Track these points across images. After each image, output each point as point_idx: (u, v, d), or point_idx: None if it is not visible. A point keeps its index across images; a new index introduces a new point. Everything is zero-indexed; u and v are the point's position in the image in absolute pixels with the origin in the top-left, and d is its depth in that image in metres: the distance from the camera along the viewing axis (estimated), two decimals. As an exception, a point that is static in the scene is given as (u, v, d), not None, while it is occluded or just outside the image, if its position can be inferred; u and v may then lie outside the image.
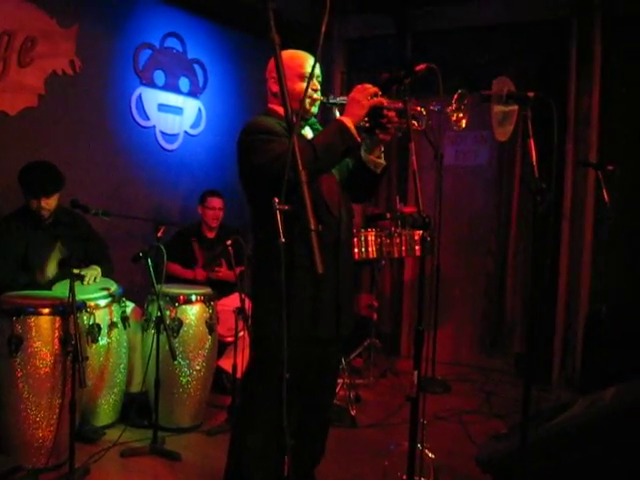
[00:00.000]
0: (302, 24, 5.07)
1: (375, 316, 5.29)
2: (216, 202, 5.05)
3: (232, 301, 4.53)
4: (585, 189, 5.27)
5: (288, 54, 2.49)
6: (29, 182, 3.78)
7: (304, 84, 2.46)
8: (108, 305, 3.84)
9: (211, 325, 4.08)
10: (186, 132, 5.54)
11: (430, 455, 3.34)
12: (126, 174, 5.02)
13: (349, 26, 6.34)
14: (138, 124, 5.10)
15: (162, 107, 5.29)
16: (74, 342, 3.09)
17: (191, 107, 5.56)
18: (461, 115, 2.24)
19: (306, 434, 2.61)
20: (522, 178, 5.60)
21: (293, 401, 2.45)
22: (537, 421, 2.93)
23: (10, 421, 3.24)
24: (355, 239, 4.54)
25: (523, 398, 2.48)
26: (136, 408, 3.97)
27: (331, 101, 2.53)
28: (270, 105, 2.61)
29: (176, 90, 5.40)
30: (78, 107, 4.59)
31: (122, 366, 3.96)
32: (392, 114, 2.33)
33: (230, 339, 4.42)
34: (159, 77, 5.24)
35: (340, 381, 4.58)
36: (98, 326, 3.72)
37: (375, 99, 2.32)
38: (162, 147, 5.33)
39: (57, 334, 3.26)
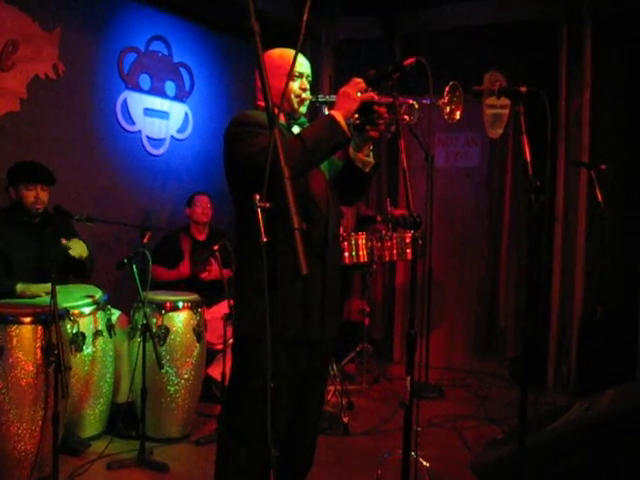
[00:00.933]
0: (291, 25, 5.02)
1: (367, 321, 5.23)
2: (204, 200, 5.00)
3: (221, 308, 4.45)
4: (577, 190, 5.23)
5: (277, 52, 2.46)
6: (24, 173, 3.77)
7: (293, 82, 2.42)
8: (93, 313, 3.74)
9: (199, 332, 4.00)
10: (173, 137, 5.46)
11: (424, 463, 3.26)
12: (111, 180, 4.93)
13: (337, 29, 6.31)
14: (123, 129, 5.01)
15: (148, 111, 5.21)
16: (57, 351, 2.99)
17: (177, 111, 5.48)
18: (454, 107, 2.18)
19: (295, 443, 2.52)
20: (514, 180, 5.55)
21: (282, 409, 2.38)
22: (534, 426, 2.87)
23: (-9, 434, 3.14)
24: (345, 243, 4.48)
25: (520, 403, 2.42)
26: (123, 418, 3.87)
27: (320, 100, 2.48)
28: (259, 102, 2.57)
29: (162, 94, 5.32)
30: (62, 112, 4.51)
31: (108, 375, 3.87)
32: (383, 109, 2.27)
33: (220, 347, 4.34)
34: (144, 81, 5.16)
35: (332, 387, 4.52)
36: (83, 334, 3.63)
37: (366, 94, 2.27)
38: (148, 152, 5.24)
39: (39, 344, 3.16)
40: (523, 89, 2.27)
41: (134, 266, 3.62)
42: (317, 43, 6.32)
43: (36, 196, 3.78)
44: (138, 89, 5.11)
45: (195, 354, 3.99)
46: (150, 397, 3.68)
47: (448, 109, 2.21)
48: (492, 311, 5.79)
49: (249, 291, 2.38)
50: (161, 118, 5.33)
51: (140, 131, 5.16)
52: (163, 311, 3.91)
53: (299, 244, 1.44)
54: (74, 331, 3.58)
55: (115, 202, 4.91)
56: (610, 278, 4.90)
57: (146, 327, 3.60)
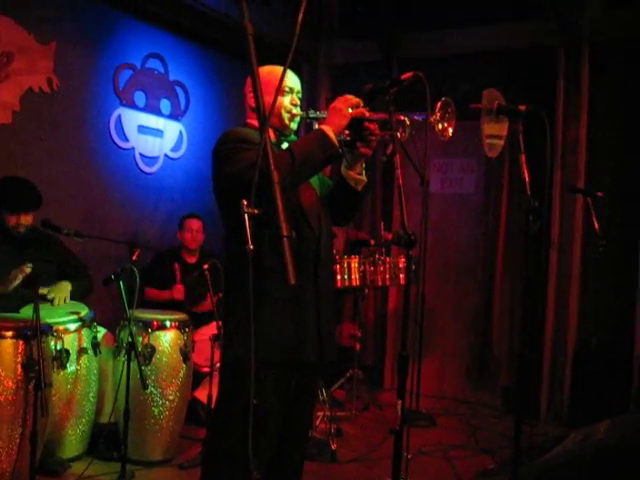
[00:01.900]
0: (287, 46, 4.98)
1: (358, 346, 5.14)
2: (194, 224, 4.92)
3: (210, 330, 4.37)
4: (573, 216, 5.19)
5: (267, 69, 2.45)
6: (8, 197, 3.68)
7: (282, 98, 2.41)
8: (78, 330, 3.65)
9: (186, 353, 3.91)
10: (166, 155, 5.41)
11: (414, 492, 3.17)
12: (103, 196, 4.87)
13: (335, 52, 6.31)
14: (117, 145, 4.96)
15: (142, 129, 5.16)
16: (37, 367, 2.91)
17: (172, 130, 5.44)
18: (446, 124, 2.13)
19: (280, 469, 2.43)
20: (510, 205, 5.51)
21: (269, 434, 2.30)
22: (528, 457, 2.79)
23: (-34, 452, 3.03)
24: (338, 266, 4.42)
25: (514, 433, 2.35)
26: (105, 440, 3.76)
27: (311, 116, 2.46)
28: (248, 120, 2.56)
29: (157, 112, 5.28)
30: (54, 126, 4.47)
31: (91, 395, 3.76)
32: (374, 126, 2.24)
33: (207, 369, 4.24)
34: (140, 98, 5.13)
35: (321, 413, 4.42)
36: (67, 351, 3.53)
37: (357, 110, 2.23)
38: (141, 170, 5.19)
39: (20, 359, 3.06)
40: (522, 107, 2.23)
41: (121, 282, 3.54)
42: (314, 66, 6.31)
43: (18, 221, 3.68)
44: (133, 106, 5.07)
45: (181, 375, 3.89)
46: (133, 418, 3.58)
47: (440, 126, 2.17)
48: (485, 339, 5.71)
49: (238, 310, 2.32)
50: (155, 136, 5.29)
51: (133, 148, 5.11)
52: (150, 330, 3.82)
53: (287, 252, 1.37)
54: (58, 348, 3.48)
55: (105, 218, 4.84)
56: (605, 307, 4.85)
57: (131, 345, 3.51)
